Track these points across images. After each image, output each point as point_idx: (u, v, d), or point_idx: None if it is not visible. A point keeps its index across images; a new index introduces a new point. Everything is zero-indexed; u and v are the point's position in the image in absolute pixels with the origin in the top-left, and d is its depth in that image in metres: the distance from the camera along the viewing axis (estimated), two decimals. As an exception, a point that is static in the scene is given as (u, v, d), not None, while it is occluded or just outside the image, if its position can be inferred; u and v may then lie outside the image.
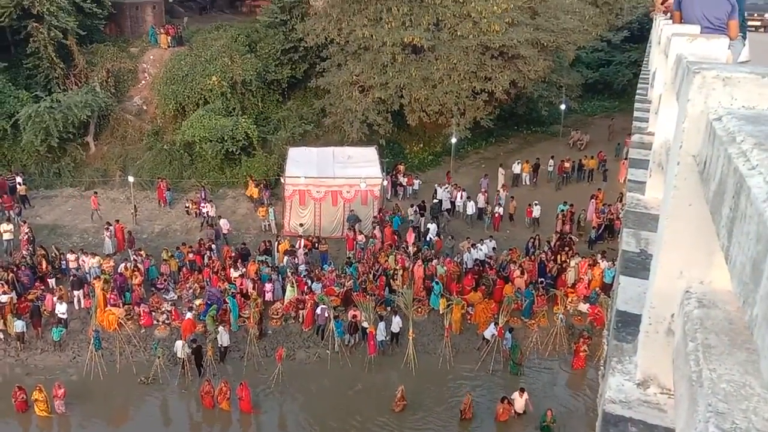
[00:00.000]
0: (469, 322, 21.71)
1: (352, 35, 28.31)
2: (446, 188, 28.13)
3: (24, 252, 24.02)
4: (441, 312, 21.48)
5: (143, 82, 33.33)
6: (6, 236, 24.89)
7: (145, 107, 32.61)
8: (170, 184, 28.70)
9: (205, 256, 23.91)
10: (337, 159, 26.92)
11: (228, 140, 28.32)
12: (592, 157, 30.40)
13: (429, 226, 25.93)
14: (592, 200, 26.86)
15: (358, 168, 26.24)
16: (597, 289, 21.95)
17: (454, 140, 30.15)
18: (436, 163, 32.00)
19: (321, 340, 21.00)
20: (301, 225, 25.91)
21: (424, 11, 27.75)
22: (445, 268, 23.09)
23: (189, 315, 20.80)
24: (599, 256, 23.21)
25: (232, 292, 21.98)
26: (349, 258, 24.30)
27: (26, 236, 24.62)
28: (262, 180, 28.49)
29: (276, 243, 24.80)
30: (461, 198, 27.81)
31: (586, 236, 25.95)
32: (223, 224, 26.11)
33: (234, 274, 22.96)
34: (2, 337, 20.69)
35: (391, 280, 22.65)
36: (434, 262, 23.46)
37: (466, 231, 26.38)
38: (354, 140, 28.96)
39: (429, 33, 27.54)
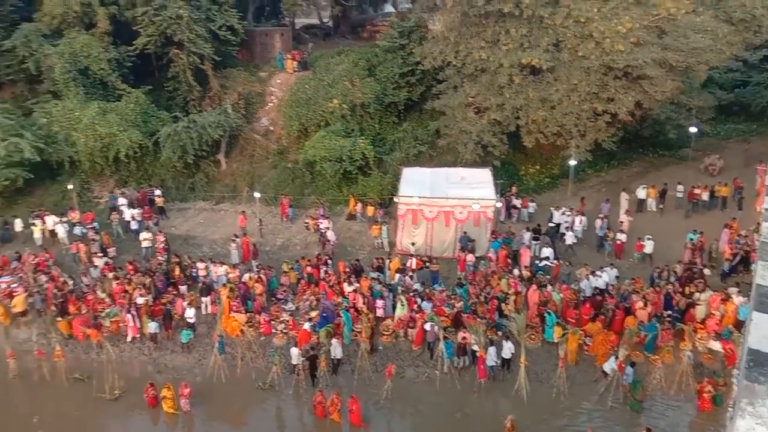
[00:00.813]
0: (585, 353, 20.85)
1: (469, 57, 28.45)
2: (564, 211, 27.37)
3: (160, 259, 26.10)
4: (556, 341, 20.81)
5: (270, 104, 35.36)
6: (145, 244, 27.22)
7: (271, 128, 34.55)
8: (292, 200, 30.15)
9: (322, 270, 24.77)
10: (451, 180, 27.03)
11: (346, 160, 29.34)
12: (725, 184, 28.32)
13: (544, 250, 25.30)
14: (726, 230, 25.03)
15: (471, 189, 26.19)
16: (730, 326, 20.35)
17: (573, 162, 29.32)
18: (553, 186, 31.23)
19: (431, 359, 21.02)
20: (413, 244, 26.19)
21: (543, 32, 27.37)
22: (561, 294, 22.40)
23: (306, 326, 21.63)
24: (733, 290, 21.53)
25: (346, 306, 22.60)
26: (460, 279, 24.21)
27: (162, 245, 26.78)
28: (377, 199, 29.17)
29: (388, 261, 25.24)
30: (580, 223, 26.93)
31: (718, 269, 24.16)
32: (330, 236, 27.03)
33: (348, 288, 23.61)
34: (138, 336, 22.55)
35: (503, 305, 22.30)
36: (549, 288, 22.84)
37: (584, 257, 25.46)
38: (468, 161, 28.95)
39: (548, 54, 27.11)
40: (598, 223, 26.63)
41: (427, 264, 24.94)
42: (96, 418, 19.53)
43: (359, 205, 29.48)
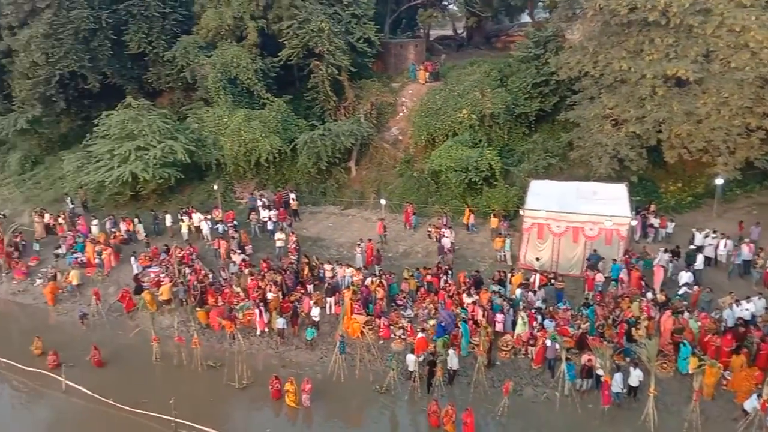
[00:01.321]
0: (724, 388, 19.12)
1: (608, 68, 27.22)
2: (707, 233, 25.33)
3: (292, 258, 27.49)
4: (691, 372, 19.28)
5: (401, 114, 36.09)
6: (279, 243, 28.83)
7: (400, 137, 35.24)
8: (416, 208, 30.52)
9: (442, 279, 24.81)
10: (582, 194, 25.95)
11: (472, 170, 29.20)
12: None
13: (683, 274, 23.53)
14: None
15: (604, 205, 24.97)
16: None
17: (719, 181, 27.05)
18: (696, 206, 28.97)
19: (551, 378, 20.31)
20: (538, 259, 25.46)
21: (692, 42, 25.54)
22: (699, 323, 20.74)
23: (422, 334, 21.78)
24: None
25: (464, 318, 22.46)
26: (587, 299, 23.17)
27: (294, 245, 28.20)
28: (501, 211, 28.74)
29: (510, 275, 24.74)
30: (725, 246, 24.79)
31: None
32: (446, 242, 27.05)
33: (467, 300, 23.45)
34: (266, 330, 23.88)
35: (633, 329, 21.04)
36: (686, 315, 21.22)
37: (721, 284, 23.40)
38: (602, 175, 27.63)
39: (697, 65, 25.25)
40: (746, 248, 24.33)
41: (552, 281, 24.15)
42: (225, 404, 20.91)
43: (472, 217, 29.27)
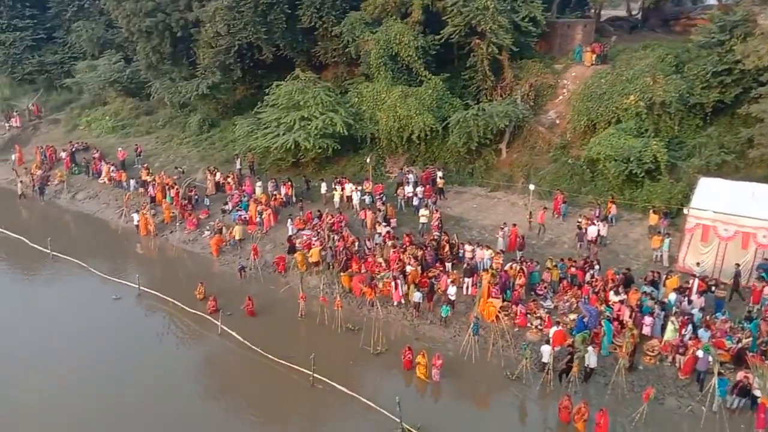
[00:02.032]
0: None
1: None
2: None
3: (434, 235, 27.80)
4: None
5: (560, 97, 34.63)
6: (422, 219, 29.31)
7: (557, 121, 33.91)
8: (567, 197, 29.34)
9: (588, 273, 23.77)
10: (758, 197, 23.33)
11: (634, 161, 27.41)
12: None
13: None
14: None
15: (784, 212, 22.36)
16: None
17: None
18: None
19: (700, 391, 18.81)
20: (698, 264, 23.46)
21: None
22: None
23: (559, 327, 21.12)
24: None
25: (609, 317, 21.40)
26: (751, 312, 21.02)
27: (437, 222, 28.49)
28: (663, 207, 26.75)
29: (665, 276, 23.07)
30: None
31: None
32: (591, 231, 25.93)
33: (614, 298, 22.29)
34: (403, 302, 24.49)
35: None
36: None
37: None
38: (786, 179, 24.72)
39: None
40: None
41: (713, 288, 22.17)
42: (359, 366, 21.89)
43: (614, 208, 27.68)
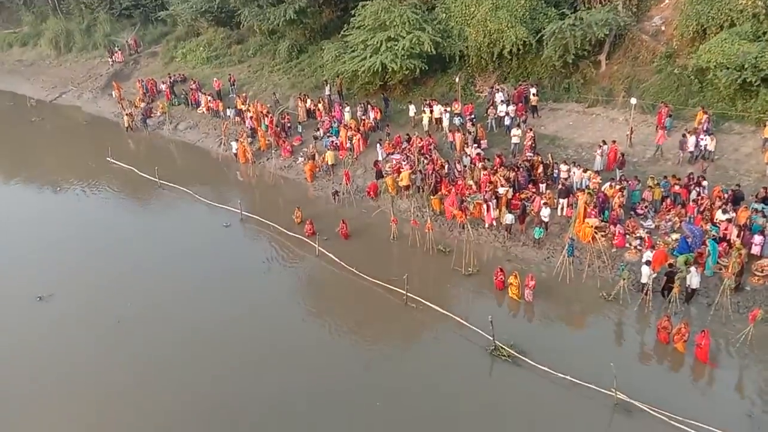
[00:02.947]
0: None
1: None
2: None
3: (528, 154, 27.07)
4: None
5: (666, 1, 31.79)
6: (514, 140, 28.54)
7: (663, 28, 31.25)
8: (672, 110, 27.45)
9: (693, 191, 22.50)
10: None
11: (749, 68, 24.96)
12: None
13: None
14: None
15: None
16: None
17: None
18: None
19: (813, 315, 17.78)
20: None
21: None
22: None
23: (659, 247, 20.37)
24: None
25: (714, 236, 20.36)
26: None
27: (530, 142, 27.65)
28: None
29: (781, 193, 21.46)
30: None
31: None
32: (690, 142, 24.66)
33: (720, 217, 21.09)
34: (494, 224, 24.36)
35: None
36: None
37: None
38: None
39: None
40: None
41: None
42: (451, 286, 22.29)
43: (706, 118, 25.47)
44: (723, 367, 17.26)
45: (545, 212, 23.36)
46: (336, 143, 32.39)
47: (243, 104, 38.40)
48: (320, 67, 39.17)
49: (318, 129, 34.34)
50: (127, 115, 42.16)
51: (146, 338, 20.33)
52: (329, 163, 30.94)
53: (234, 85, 42.11)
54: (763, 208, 21.04)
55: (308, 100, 36.76)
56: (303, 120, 36.19)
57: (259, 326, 20.72)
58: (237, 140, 34.91)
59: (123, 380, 18.49)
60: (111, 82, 48.45)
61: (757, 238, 19.88)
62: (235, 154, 34.81)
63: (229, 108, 38.98)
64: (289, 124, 35.50)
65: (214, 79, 42.97)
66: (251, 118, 36.24)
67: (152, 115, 42.54)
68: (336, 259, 23.94)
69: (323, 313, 21.40)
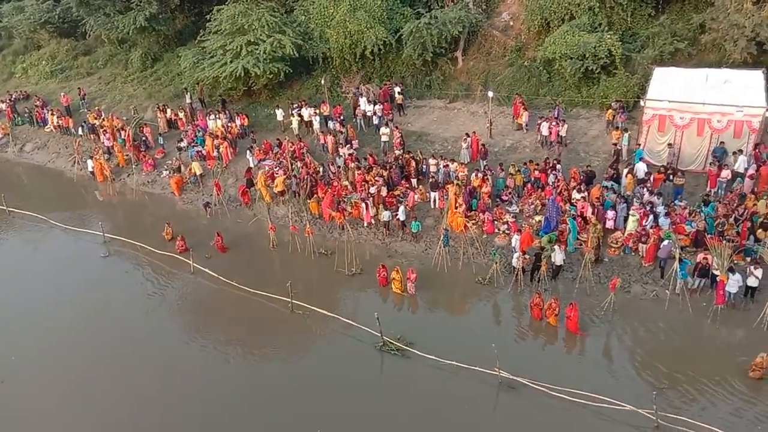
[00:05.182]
0: None
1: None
2: None
3: (396, 153, 27.66)
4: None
5: (512, -3, 33.85)
6: (383, 138, 29.00)
7: (511, 23, 33.24)
8: (525, 100, 29.25)
9: (551, 174, 24.12)
10: (711, 83, 23.62)
11: (589, 57, 27.23)
12: None
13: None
14: None
15: (735, 94, 22.69)
16: None
17: None
18: None
19: (661, 277, 19.72)
20: (658, 152, 23.96)
21: None
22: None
23: (525, 230, 21.64)
24: None
25: (573, 214, 21.95)
26: (708, 196, 21.79)
27: (398, 140, 28.26)
28: (622, 101, 26.92)
29: (625, 170, 23.57)
30: None
31: None
32: (543, 128, 26.42)
33: (576, 196, 22.79)
34: (373, 222, 24.66)
35: (759, 228, 19.68)
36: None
37: None
38: (736, 62, 24.94)
39: None
40: None
41: (671, 176, 22.77)
42: (335, 288, 22.27)
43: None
44: (592, 334, 18.66)
45: (386, 215, 23.88)
46: (202, 153, 31.17)
47: (96, 119, 35.89)
48: (178, 75, 37.54)
49: (182, 139, 32.83)
50: (-39, 139, 37.95)
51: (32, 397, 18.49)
52: (197, 174, 29.72)
53: (84, 99, 39.21)
54: (612, 185, 23.02)
55: (168, 110, 35.08)
56: (164, 131, 34.47)
57: (142, 360, 19.43)
58: (92, 157, 32.51)
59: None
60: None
61: (610, 213, 21.70)
62: (92, 173, 32.44)
63: (82, 124, 36.22)
64: (144, 138, 33.58)
65: (62, 94, 39.75)
66: (106, 132, 33.91)
67: (-8, 137, 38.60)
68: (213, 275, 23.05)
69: (207, 333, 20.55)
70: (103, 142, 33.82)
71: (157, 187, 30.87)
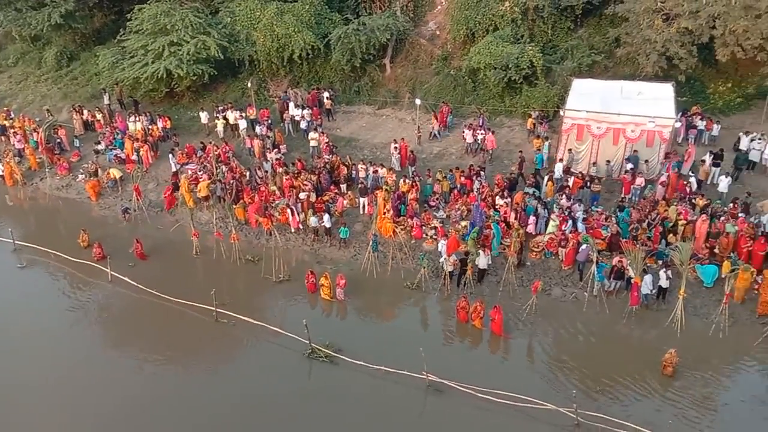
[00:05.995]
0: (755, 292, 19.05)
1: (664, -44, 25.27)
2: (754, 137, 24.32)
3: (326, 158, 27.50)
4: (723, 276, 19.20)
5: (439, 6, 34.44)
6: (312, 143, 28.80)
7: (438, 32, 33.86)
8: (452, 108, 29.83)
9: (475, 181, 24.65)
10: (626, 94, 24.90)
11: (512, 68, 28.11)
12: None
13: (721, 178, 22.90)
14: None
15: (647, 105, 24.00)
16: None
17: (773, 82, 25.58)
18: (745, 108, 27.50)
19: (580, 280, 20.52)
20: (575, 161, 24.95)
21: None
22: (736, 227, 20.37)
23: (451, 235, 22.02)
24: None
25: (496, 219, 22.51)
26: (623, 201, 22.89)
27: (326, 146, 28.12)
28: (541, 111, 27.90)
29: (546, 177, 24.42)
30: (772, 150, 23.85)
31: None
32: (467, 136, 27.50)
33: (500, 201, 23.40)
34: (301, 228, 24.40)
35: (670, 233, 20.86)
36: (722, 218, 20.87)
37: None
38: (648, 74, 26.41)
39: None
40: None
41: (588, 183, 23.78)
42: (262, 295, 21.86)
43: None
44: (516, 336, 19.15)
45: (314, 221, 23.83)
46: (121, 156, 29.93)
47: (6, 119, 33.79)
48: (96, 74, 35.92)
49: (99, 142, 31.35)
50: None
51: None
52: (115, 178, 28.48)
53: (-8, 98, 36.90)
54: (534, 191, 23.78)
55: (85, 111, 33.49)
56: (81, 133, 32.86)
57: (62, 385, 18.25)
58: (2, 160, 30.58)
59: None
60: None
61: (531, 218, 22.41)
62: (1, 177, 30.49)
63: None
64: (58, 140, 31.90)
65: (-35, 92, 37.28)
66: (17, 134, 31.97)
67: None
68: (133, 283, 22.12)
69: (127, 345, 19.70)
70: (14, 144, 31.85)
71: (72, 192, 29.33)
